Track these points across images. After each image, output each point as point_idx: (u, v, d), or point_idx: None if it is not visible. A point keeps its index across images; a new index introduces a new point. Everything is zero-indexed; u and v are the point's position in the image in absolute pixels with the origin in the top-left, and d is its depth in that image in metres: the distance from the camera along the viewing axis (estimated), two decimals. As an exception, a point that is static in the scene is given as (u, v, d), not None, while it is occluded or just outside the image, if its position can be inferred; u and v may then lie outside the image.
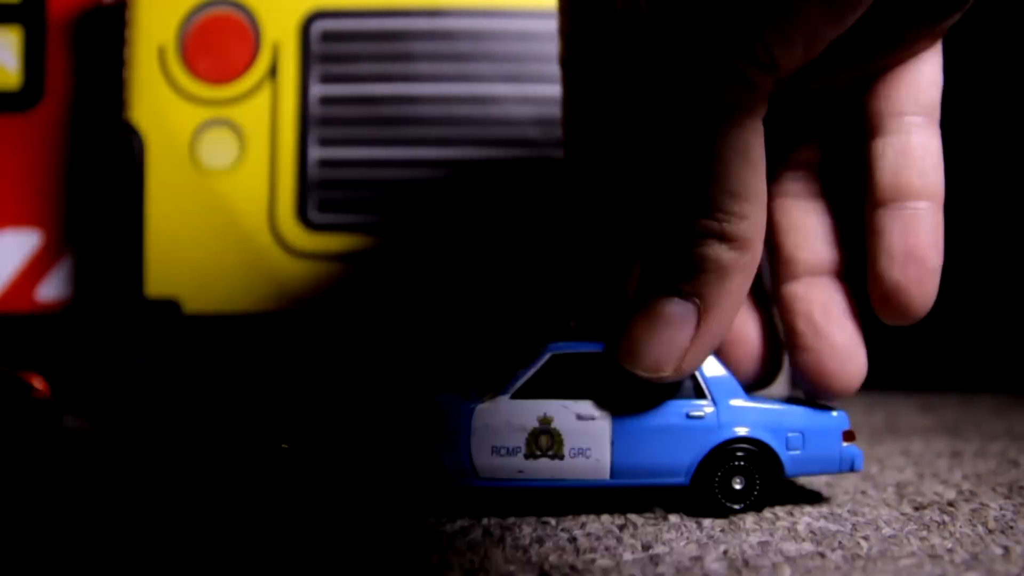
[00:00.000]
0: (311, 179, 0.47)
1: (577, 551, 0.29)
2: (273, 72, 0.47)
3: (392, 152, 0.48)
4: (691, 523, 0.32)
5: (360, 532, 0.30)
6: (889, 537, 0.30)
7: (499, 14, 0.48)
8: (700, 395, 0.33)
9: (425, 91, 0.48)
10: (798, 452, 0.33)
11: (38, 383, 0.46)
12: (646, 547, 0.29)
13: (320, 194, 0.47)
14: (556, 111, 0.48)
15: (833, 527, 0.31)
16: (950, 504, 0.34)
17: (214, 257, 0.47)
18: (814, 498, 0.35)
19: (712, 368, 0.33)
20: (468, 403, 0.32)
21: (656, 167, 0.30)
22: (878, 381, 0.65)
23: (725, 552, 0.28)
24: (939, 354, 0.67)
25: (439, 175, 0.48)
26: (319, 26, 0.48)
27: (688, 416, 0.32)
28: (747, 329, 0.36)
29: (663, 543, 0.29)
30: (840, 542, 0.29)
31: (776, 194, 0.35)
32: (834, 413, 0.34)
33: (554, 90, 0.48)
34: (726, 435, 0.33)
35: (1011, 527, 0.31)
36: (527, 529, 0.31)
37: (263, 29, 0.47)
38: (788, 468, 0.33)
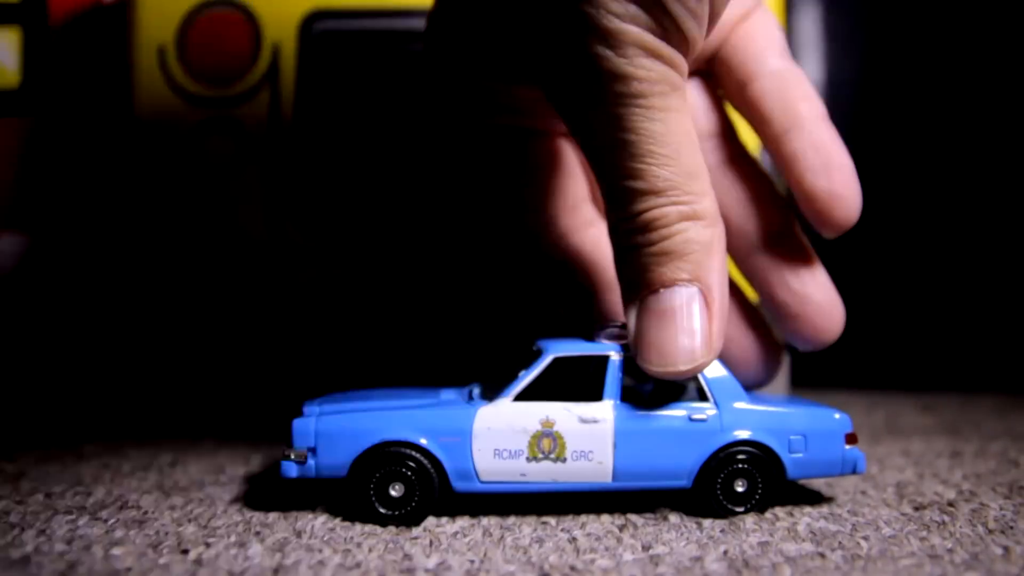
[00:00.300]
0: (311, 179, 0.47)
1: (577, 551, 0.29)
2: (273, 72, 0.47)
3: (392, 152, 0.48)
4: (691, 523, 0.32)
5: (359, 531, 0.31)
6: (889, 537, 0.30)
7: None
8: (703, 398, 0.33)
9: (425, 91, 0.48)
10: (800, 455, 0.33)
11: None
12: (646, 547, 0.29)
13: (320, 194, 0.47)
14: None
15: (833, 527, 0.31)
16: (950, 504, 0.34)
17: (214, 256, 0.47)
18: (814, 498, 0.35)
19: (714, 370, 0.33)
20: (468, 406, 0.32)
21: (611, 167, 0.30)
22: (878, 381, 0.65)
23: (725, 552, 0.28)
24: (939, 354, 0.67)
25: (439, 174, 0.48)
26: (319, 26, 0.48)
27: (691, 419, 0.32)
28: (740, 329, 0.38)
29: (663, 543, 0.29)
30: (840, 542, 0.29)
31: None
32: (836, 416, 0.34)
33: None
34: (728, 438, 0.32)
35: (1011, 527, 0.31)
36: (527, 529, 0.31)
37: (263, 29, 0.47)
38: (790, 471, 0.33)
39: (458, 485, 0.32)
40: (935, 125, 0.67)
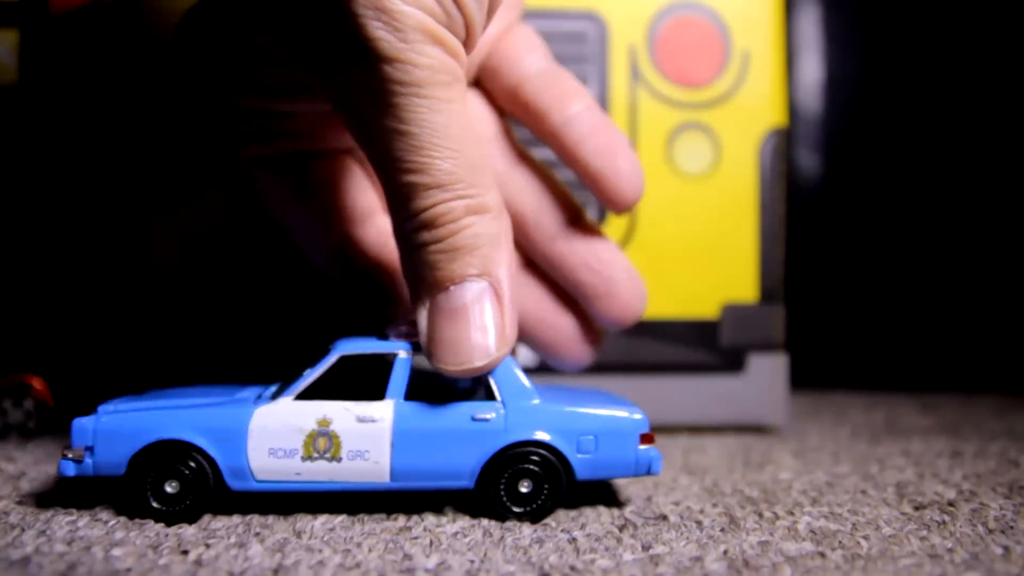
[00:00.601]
0: None
1: (577, 551, 0.29)
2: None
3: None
4: (691, 523, 0.32)
5: (359, 532, 0.31)
6: (889, 537, 0.30)
7: (499, 14, 0.48)
8: (491, 397, 0.32)
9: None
10: (590, 456, 0.32)
11: (38, 384, 0.46)
12: (646, 547, 0.29)
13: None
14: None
15: (833, 527, 0.31)
16: (950, 504, 0.34)
17: (215, 257, 0.47)
18: (814, 498, 0.35)
19: (504, 369, 0.32)
20: (247, 404, 0.32)
21: (393, 162, 0.30)
22: (878, 381, 0.66)
23: (725, 552, 0.28)
24: (939, 354, 0.67)
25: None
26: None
27: (473, 418, 0.32)
28: (555, 313, 0.38)
29: (663, 543, 0.29)
30: (840, 541, 0.29)
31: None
32: (630, 415, 0.33)
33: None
34: (513, 438, 0.32)
35: (1011, 527, 0.31)
36: (527, 529, 0.31)
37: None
38: (579, 472, 0.32)
39: (233, 484, 0.31)
40: (935, 125, 0.67)
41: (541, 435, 0.32)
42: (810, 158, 0.68)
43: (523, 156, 0.38)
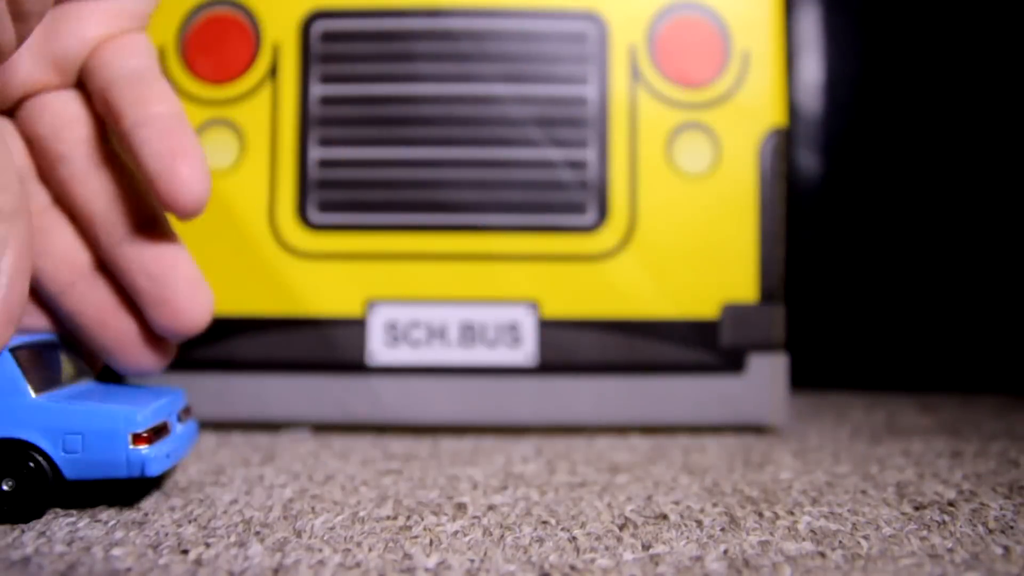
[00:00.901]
0: (311, 179, 0.48)
1: (577, 551, 0.29)
2: (273, 72, 0.47)
3: (392, 152, 0.48)
4: (691, 522, 0.32)
5: (359, 531, 0.31)
6: (889, 537, 0.30)
7: (499, 14, 0.48)
8: None
9: (425, 91, 0.48)
10: (77, 455, 0.32)
11: None
12: (646, 547, 0.29)
13: (320, 194, 0.48)
14: (556, 111, 0.48)
15: (833, 526, 0.31)
16: (950, 504, 0.34)
17: (214, 257, 0.47)
18: (814, 498, 0.35)
19: None
20: None
21: None
22: (878, 381, 0.65)
23: (725, 551, 0.28)
24: (939, 354, 0.67)
25: (439, 175, 0.48)
26: (319, 26, 0.48)
27: None
28: (118, 316, 0.37)
29: (663, 542, 0.29)
30: (840, 541, 0.29)
31: (70, 169, 0.37)
32: (134, 416, 0.32)
33: (554, 90, 0.48)
34: None
35: (1011, 527, 0.31)
36: (527, 529, 0.31)
37: (263, 29, 0.47)
38: (66, 472, 0.32)
39: None
40: (935, 125, 0.67)
41: (23, 433, 0.32)
42: (810, 158, 0.68)
43: (110, 159, 0.38)
